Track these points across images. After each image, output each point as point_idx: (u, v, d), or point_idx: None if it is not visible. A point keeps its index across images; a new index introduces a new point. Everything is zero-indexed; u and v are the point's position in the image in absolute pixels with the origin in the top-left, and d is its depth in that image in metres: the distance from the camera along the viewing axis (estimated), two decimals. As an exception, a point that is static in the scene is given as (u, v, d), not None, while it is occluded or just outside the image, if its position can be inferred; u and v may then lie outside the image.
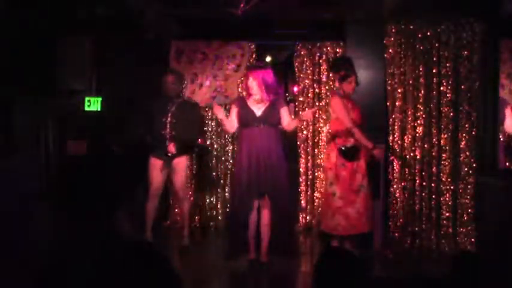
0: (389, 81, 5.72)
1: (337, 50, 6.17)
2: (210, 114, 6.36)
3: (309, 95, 6.25)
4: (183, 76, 5.88)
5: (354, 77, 4.93)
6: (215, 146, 6.38)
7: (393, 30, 5.62)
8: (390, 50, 5.66)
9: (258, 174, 4.69)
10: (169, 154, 5.21)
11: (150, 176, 5.27)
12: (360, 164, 4.89)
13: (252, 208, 4.77)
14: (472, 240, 5.42)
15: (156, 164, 5.25)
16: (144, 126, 5.34)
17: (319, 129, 6.27)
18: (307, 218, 6.34)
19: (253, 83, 4.76)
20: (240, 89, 6.08)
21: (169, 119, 5.23)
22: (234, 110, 4.88)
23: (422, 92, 5.61)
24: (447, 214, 5.56)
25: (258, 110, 4.77)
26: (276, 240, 4.78)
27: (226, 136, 6.36)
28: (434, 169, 5.63)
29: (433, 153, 5.63)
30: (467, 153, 5.52)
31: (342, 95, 4.92)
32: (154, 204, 5.28)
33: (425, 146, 5.66)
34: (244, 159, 4.73)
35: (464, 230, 5.50)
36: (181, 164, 5.31)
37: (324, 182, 5.26)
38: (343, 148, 4.87)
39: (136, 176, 5.47)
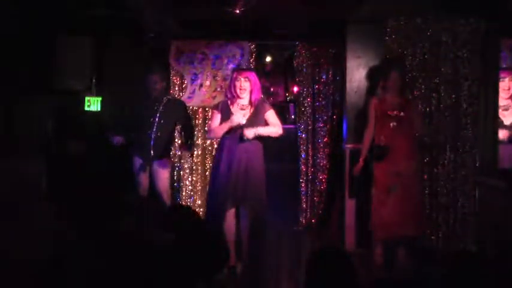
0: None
1: (337, 50, 6.18)
2: (210, 114, 6.35)
3: (309, 95, 6.26)
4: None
5: (391, 75, 4.96)
6: (215, 146, 6.37)
7: (393, 30, 5.61)
8: (390, 50, 5.64)
9: (236, 185, 4.47)
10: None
11: (136, 176, 5.22)
12: (397, 165, 4.85)
13: (225, 216, 4.54)
14: (472, 240, 5.42)
15: (138, 164, 5.18)
16: (131, 126, 5.22)
17: (319, 129, 6.27)
18: (307, 218, 6.34)
19: (245, 84, 4.51)
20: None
21: (157, 119, 5.12)
22: (217, 117, 4.62)
23: (422, 91, 5.60)
24: (447, 215, 5.55)
25: (243, 118, 4.52)
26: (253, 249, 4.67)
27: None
28: (434, 169, 5.62)
29: (433, 154, 5.62)
30: (468, 154, 5.52)
31: (380, 96, 5.00)
32: (144, 202, 5.25)
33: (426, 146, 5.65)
34: (223, 168, 4.49)
35: (464, 230, 5.49)
36: (162, 167, 5.18)
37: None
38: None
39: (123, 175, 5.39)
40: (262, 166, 4.61)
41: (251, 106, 4.56)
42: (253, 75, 4.58)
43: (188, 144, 5.31)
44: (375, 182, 4.94)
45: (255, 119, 4.54)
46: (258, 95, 4.58)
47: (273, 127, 4.61)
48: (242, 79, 4.53)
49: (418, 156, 5.10)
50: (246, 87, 4.51)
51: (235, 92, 4.54)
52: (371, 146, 5.00)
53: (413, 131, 4.97)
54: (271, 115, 4.63)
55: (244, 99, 4.55)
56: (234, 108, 4.58)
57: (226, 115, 4.57)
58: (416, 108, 5.07)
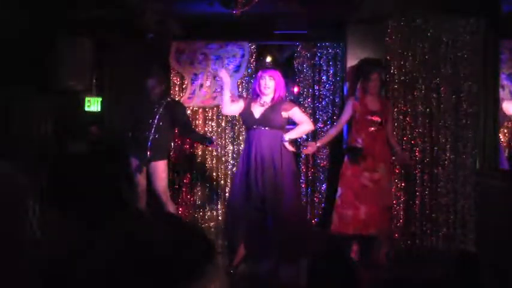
0: (390, 81, 5.72)
1: (337, 50, 6.18)
2: (210, 114, 6.35)
3: (309, 95, 6.26)
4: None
5: (374, 75, 4.97)
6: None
7: (393, 30, 5.61)
8: (390, 50, 5.64)
9: (256, 180, 4.47)
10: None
11: (133, 176, 5.21)
12: (371, 168, 4.88)
13: (247, 216, 4.53)
14: (472, 240, 5.42)
15: (135, 165, 5.19)
16: (129, 126, 5.22)
17: (319, 129, 6.27)
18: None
19: (270, 83, 4.58)
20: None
21: (156, 121, 5.12)
22: (240, 105, 4.71)
23: (422, 92, 5.60)
24: (447, 215, 5.55)
25: (258, 113, 4.58)
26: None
27: (227, 137, 6.36)
28: (434, 169, 5.62)
29: (433, 154, 5.63)
30: (468, 154, 5.52)
31: (357, 97, 5.01)
32: (143, 202, 5.25)
33: (426, 146, 5.66)
34: (243, 163, 4.58)
35: (464, 231, 5.49)
36: (159, 168, 5.17)
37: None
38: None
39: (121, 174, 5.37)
40: (288, 160, 4.60)
41: (272, 103, 4.61)
42: (277, 74, 4.65)
43: (206, 139, 5.33)
44: (344, 181, 4.96)
45: (269, 115, 4.56)
46: (282, 94, 4.65)
47: (302, 126, 4.68)
48: (267, 77, 4.60)
49: (390, 160, 5.10)
50: (271, 85, 4.59)
51: (260, 89, 4.61)
52: (348, 147, 5.06)
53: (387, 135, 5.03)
54: (296, 112, 4.67)
55: (268, 96, 4.61)
56: (254, 105, 4.64)
57: (246, 109, 4.65)
58: (391, 113, 5.13)
